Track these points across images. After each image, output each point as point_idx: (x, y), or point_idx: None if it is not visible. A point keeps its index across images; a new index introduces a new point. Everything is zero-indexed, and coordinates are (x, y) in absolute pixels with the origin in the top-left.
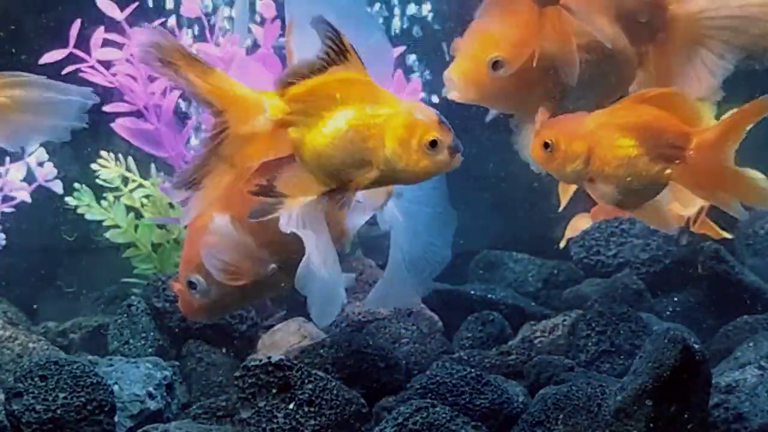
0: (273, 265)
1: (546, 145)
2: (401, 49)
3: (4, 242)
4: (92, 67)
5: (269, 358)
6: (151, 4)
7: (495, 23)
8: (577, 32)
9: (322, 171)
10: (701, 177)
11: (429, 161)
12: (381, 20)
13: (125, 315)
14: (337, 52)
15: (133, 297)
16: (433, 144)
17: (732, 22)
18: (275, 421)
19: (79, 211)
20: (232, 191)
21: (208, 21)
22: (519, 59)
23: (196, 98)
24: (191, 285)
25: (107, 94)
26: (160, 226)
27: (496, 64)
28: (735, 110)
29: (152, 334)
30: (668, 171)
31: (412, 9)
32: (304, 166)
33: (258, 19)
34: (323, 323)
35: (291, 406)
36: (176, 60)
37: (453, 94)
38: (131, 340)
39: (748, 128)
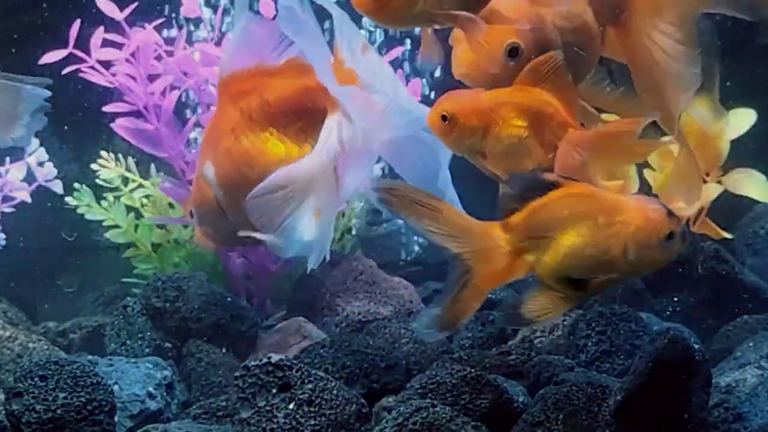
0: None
1: (444, 118)
2: (400, 49)
3: (4, 242)
4: (92, 67)
5: (269, 358)
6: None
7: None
8: (562, 15)
9: (561, 286)
10: (568, 171)
11: (667, 253)
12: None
13: (121, 316)
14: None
15: (128, 298)
16: (669, 236)
17: None
18: (275, 421)
19: (79, 211)
20: (218, 147)
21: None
22: (533, 46)
23: (433, 243)
24: (191, 213)
25: (107, 94)
26: (160, 226)
27: (512, 51)
28: (612, 123)
29: (149, 334)
30: (551, 155)
31: None
32: (541, 281)
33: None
34: (286, 252)
35: (291, 406)
36: (407, 208)
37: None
38: (128, 341)
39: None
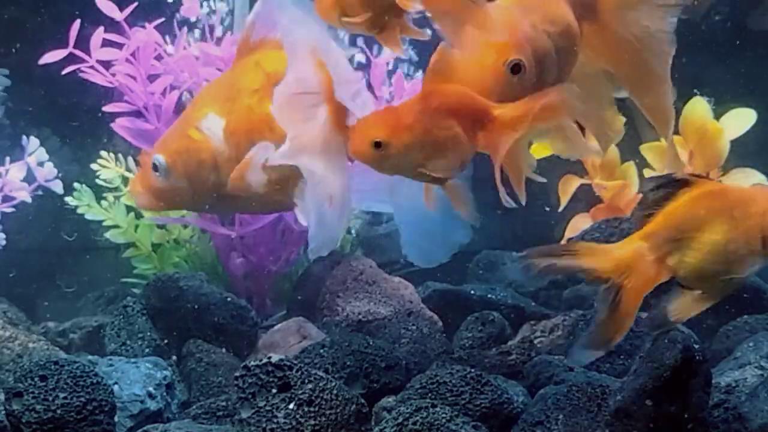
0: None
1: (378, 145)
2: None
3: (4, 242)
4: (92, 67)
5: (269, 358)
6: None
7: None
8: (550, 20)
9: (704, 284)
10: (497, 150)
11: None
12: None
13: (121, 316)
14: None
15: (128, 298)
16: None
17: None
18: (275, 421)
19: (79, 211)
20: (235, 103)
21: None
22: (531, 56)
23: (585, 279)
24: (155, 166)
25: (107, 94)
26: (160, 226)
27: (515, 68)
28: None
29: (149, 334)
30: (475, 142)
31: None
32: (683, 282)
33: None
34: (316, 254)
35: (291, 406)
36: (550, 265)
37: None
38: (128, 341)
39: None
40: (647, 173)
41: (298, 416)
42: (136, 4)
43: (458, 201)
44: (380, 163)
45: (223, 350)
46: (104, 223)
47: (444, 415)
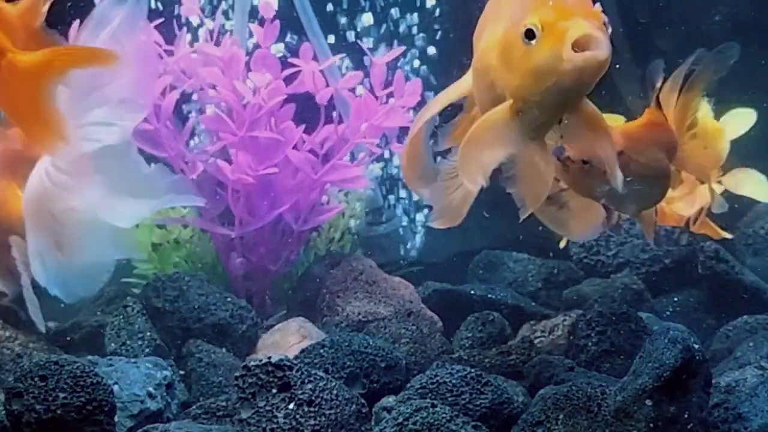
0: None
1: None
2: (400, 49)
3: None
4: None
5: (269, 358)
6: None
7: None
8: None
9: None
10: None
11: None
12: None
13: (121, 316)
14: None
15: (128, 298)
16: None
17: None
18: (275, 421)
19: None
20: None
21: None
22: None
23: None
24: None
25: None
26: (160, 226)
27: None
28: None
29: (149, 334)
30: None
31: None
32: None
33: None
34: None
35: (291, 406)
36: None
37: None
38: (128, 341)
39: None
40: None
41: (298, 416)
42: None
43: None
44: None
45: (223, 350)
46: None
47: (444, 415)
